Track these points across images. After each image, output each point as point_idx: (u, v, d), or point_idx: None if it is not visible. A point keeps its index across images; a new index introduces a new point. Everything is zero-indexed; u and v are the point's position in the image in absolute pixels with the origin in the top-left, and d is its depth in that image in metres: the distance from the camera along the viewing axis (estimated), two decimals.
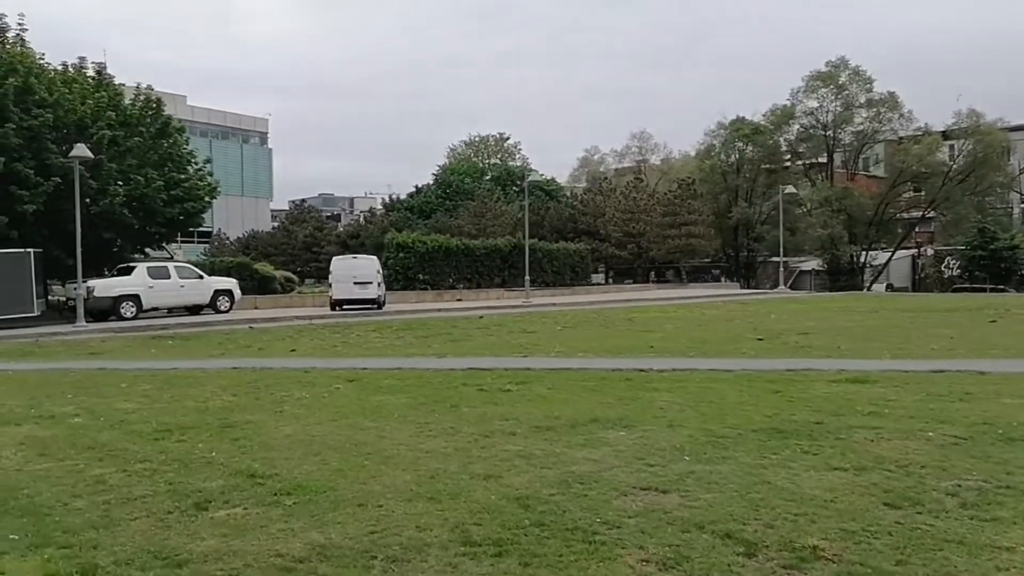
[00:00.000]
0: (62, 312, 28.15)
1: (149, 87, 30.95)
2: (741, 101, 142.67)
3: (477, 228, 53.67)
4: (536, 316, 25.45)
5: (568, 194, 69.89)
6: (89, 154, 24.78)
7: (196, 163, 32.08)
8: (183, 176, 30.71)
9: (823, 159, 54.83)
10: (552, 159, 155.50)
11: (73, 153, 24.62)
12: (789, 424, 7.59)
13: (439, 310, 30.79)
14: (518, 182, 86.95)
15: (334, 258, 31.99)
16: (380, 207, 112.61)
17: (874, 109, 51.47)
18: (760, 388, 9.87)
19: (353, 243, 79.29)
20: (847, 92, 51.15)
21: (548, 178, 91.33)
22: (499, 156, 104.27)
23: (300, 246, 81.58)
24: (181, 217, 30.79)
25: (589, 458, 6.57)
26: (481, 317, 25.16)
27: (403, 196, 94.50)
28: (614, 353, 14.47)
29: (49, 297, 28.52)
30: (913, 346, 14.43)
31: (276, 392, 10.88)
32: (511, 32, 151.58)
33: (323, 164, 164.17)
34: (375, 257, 31.79)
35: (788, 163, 57.59)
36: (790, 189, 43.41)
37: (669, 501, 5.34)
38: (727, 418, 8.00)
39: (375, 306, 30.62)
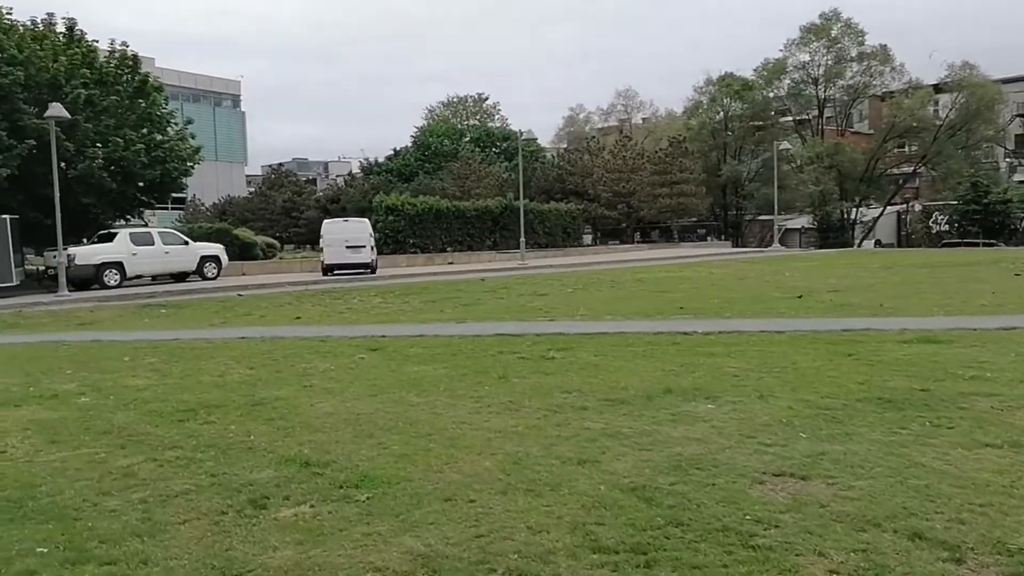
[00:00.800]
0: (41, 281, 26.87)
1: (124, 44, 29.39)
2: (723, 59, 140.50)
3: (461, 190, 52.61)
4: (539, 278, 24.62)
5: (552, 155, 68.75)
6: (65, 114, 23.39)
7: (176, 123, 30.64)
8: (163, 137, 29.33)
9: (813, 115, 54.06)
10: (528, 121, 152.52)
11: (48, 113, 23.22)
12: (892, 392, 6.85)
13: (434, 274, 29.87)
14: (498, 143, 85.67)
15: (325, 221, 30.86)
16: (357, 171, 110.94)
17: (865, 63, 50.66)
18: (827, 351, 9.14)
19: (333, 207, 77.73)
20: (839, 45, 50.28)
21: (527, 139, 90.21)
22: (478, 117, 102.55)
23: (279, 211, 79.83)
24: (162, 180, 29.44)
25: (690, 437, 5.79)
26: (483, 280, 24.29)
27: (381, 159, 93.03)
28: (644, 315, 13.69)
29: (26, 266, 27.18)
30: (959, 302, 13.78)
31: (296, 363, 10.00)
32: None
33: (293, 129, 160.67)
34: (367, 220, 30.74)
35: (776, 120, 56.81)
36: (785, 145, 42.75)
37: (816, 490, 4.57)
38: (816, 386, 7.25)
39: (368, 271, 29.66)
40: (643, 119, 66.20)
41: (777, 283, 18.99)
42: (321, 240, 29.72)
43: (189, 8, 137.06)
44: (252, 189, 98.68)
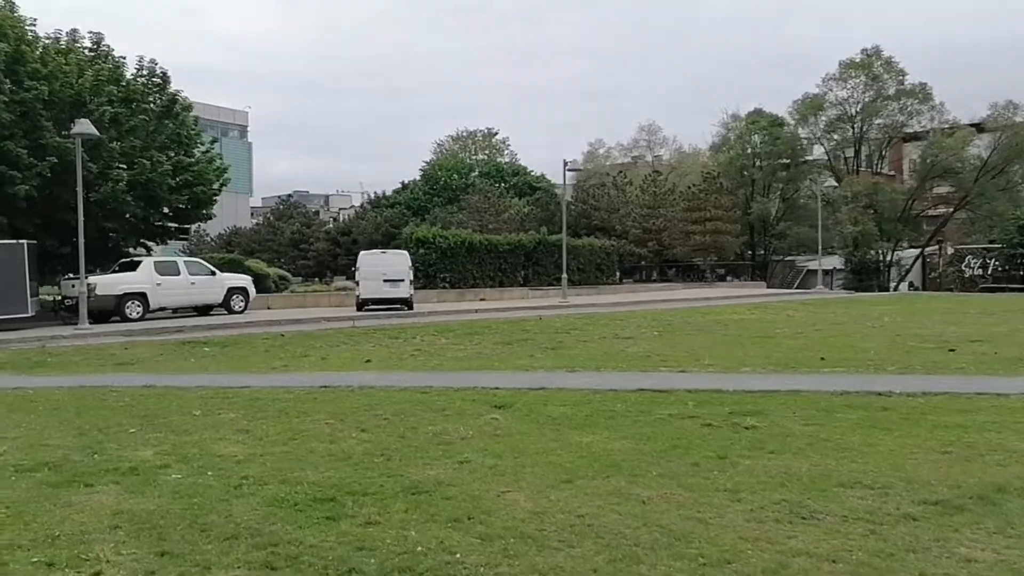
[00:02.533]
0: (57, 312, 24.88)
1: (152, 60, 27.72)
2: (728, 98, 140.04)
3: (479, 224, 50.85)
4: (600, 318, 22.68)
5: (572, 189, 67.23)
6: (93, 130, 21.57)
7: (203, 144, 28.84)
8: (191, 159, 27.53)
9: (849, 153, 52.64)
10: (535, 157, 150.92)
11: (75, 130, 21.41)
12: None
13: (476, 311, 27.96)
14: (508, 178, 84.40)
15: (361, 253, 28.97)
16: (358, 204, 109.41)
17: (902, 101, 49.33)
18: None
19: (344, 240, 76.14)
20: (879, 83, 48.99)
21: (538, 174, 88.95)
22: (487, 152, 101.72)
23: (287, 242, 78.00)
24: (189, 206, 27.59)
25: None
26: (540, 319, 22.36)
27: (386, 193, 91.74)
28: (786, 366, 11.79)
29: (40, 296, 25.20)
30: None
31: (417, 425, 8.06)
32: (485, 31, 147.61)
33: (291, 162, 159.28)
34: (406, 252, 28.82)
35: (807, 157, 55.37)
36: (830, 182, 41.03)
37: None
38: None
39: (405, 306, 27.73)
40: (658, 155, 64.69)
41: (893, 330, 17.10)
42: (356, 273, 27.79)
43: (191, 42, 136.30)
44: (256, 220, 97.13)
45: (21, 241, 22.36)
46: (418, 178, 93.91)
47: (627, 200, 52.31)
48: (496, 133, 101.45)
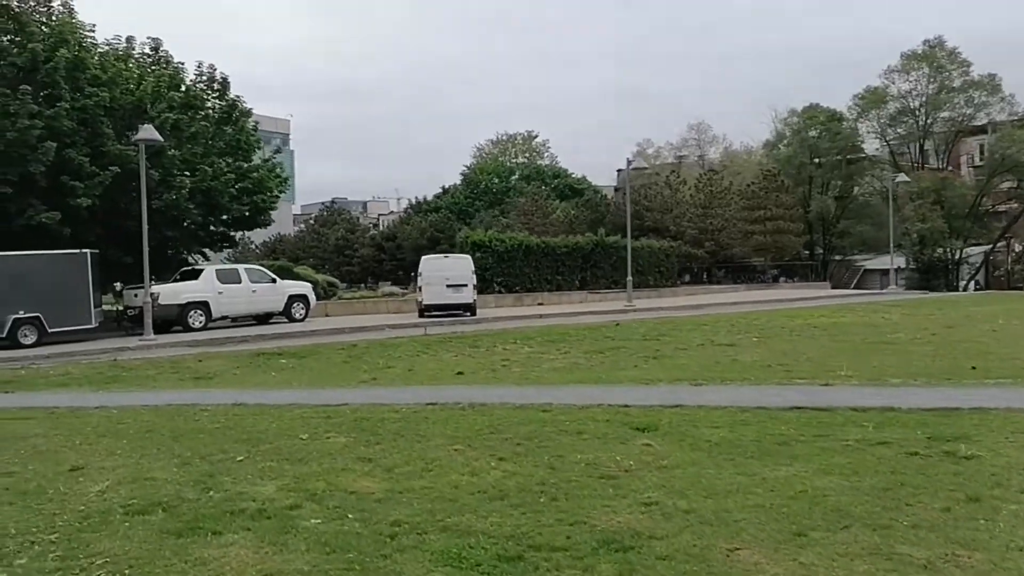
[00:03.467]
0: (120, 323, 24.36)
1: (211, 66, 27.17)
2: (789, 95, 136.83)
3: (526, 227, 49.85)
4: (686, 322, 21.50)
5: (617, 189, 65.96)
6: (157, 136, 21.02)
7: (261, 151, 28.22)
8: (250, 166, 26.91)
9: (913, 149, 50.77)
10: (575, 160, 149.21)
11: (139, 135, 20.85)
12: None
13: (540, 316, 26.96)
14: (548, 180, 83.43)
15: (424, 258, 28.08)
16: (399, 210, 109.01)
17: (969, 93, 47.39)
18: None
19: (389, 245, 75.82)
20: (943, 74, 47.11)
21: (578, 176, 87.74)
22: (527, 155, 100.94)
23: (332, 249, 77.87)
24: (248, 213, 26.97)
25: None
26: (617, 324, 21.26)
27: (428, 197, 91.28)
28: (929, 377, 10.58)
29: (104, 306, 24.70)
30: None
31: (561, 452, 7.06)
32: (514, 36, 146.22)
33: (325, 169, 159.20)
34: (469, 257, 27.88)
35: (867, 153, 53.57)
36: (902, 177, 39.33)
37: None
38: None
39: (468, 312, 26.81)
40: (706, 155, 63.24)
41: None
42: (419, 278, 26.94)
43: (225, 53, 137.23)
44: (298, 227, 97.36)
45: (85, 250, 21.84)
46: (458, 182, 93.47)
47: (680, 200, 50.99)
48: (536, 136, 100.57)
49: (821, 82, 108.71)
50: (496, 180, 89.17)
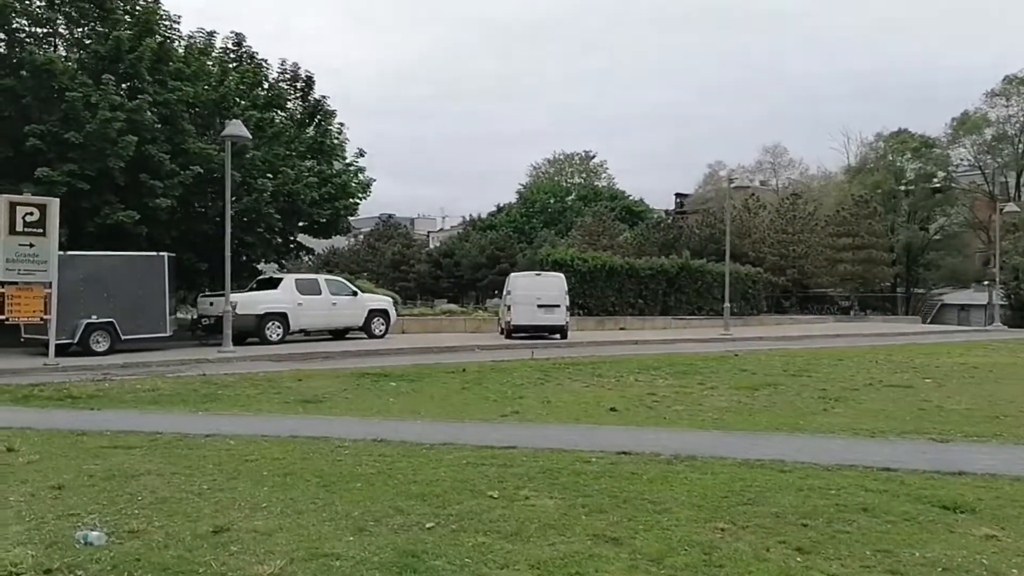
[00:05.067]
0: (194, 332, 22.88)
1: (295, 64, 25.79)
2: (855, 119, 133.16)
3: (592, 249, 47.82)
4: (820, 356, 19.29)
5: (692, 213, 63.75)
6: (245, 132, 19.55)
7: (344, 154, 26.63)
8: (334, 171, 25.40)
9: (1006, 176, 47.92)
10: (633, 183, 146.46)
11: (226, 131, 19.42)
12: None
13: (635, 342, 24.95)
14: (605, 202, 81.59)
15: (513, 275, 26.26)
16: (445, 228, 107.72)
17: None
18: None
19: (446, 262, 74.42)
20: None
21: (636, 199, 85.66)
22: (583, 175, 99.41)
23: (387, 264, 76.70)
24: (328, 220, 25.40)
25: None
26: (736, 355, 19.15)
27: (483, 215, 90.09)
28: None
29: (178, 314, 23.25)
30: None
31: (890, 546, 5.09)
32: (562, 57, 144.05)
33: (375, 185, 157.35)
34: (562, 276, 25.98)
35: (954, 184, 50.78)
36: (1011, 207, 36.62)
37: None
38: None
39: (559, 335, 24.90)
40: (799, 174, 60.73)
41: None
42: (507, 296, 25.11)
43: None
44: (350, 240, 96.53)
45: (163, 254, 20.39)
46: (512, 201, 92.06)
47: (758, 225, 48.73)
48: (593, 156, 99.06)
49: (883, 109, 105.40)
50: (552, 200, 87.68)
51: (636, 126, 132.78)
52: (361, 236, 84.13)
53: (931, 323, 49.76)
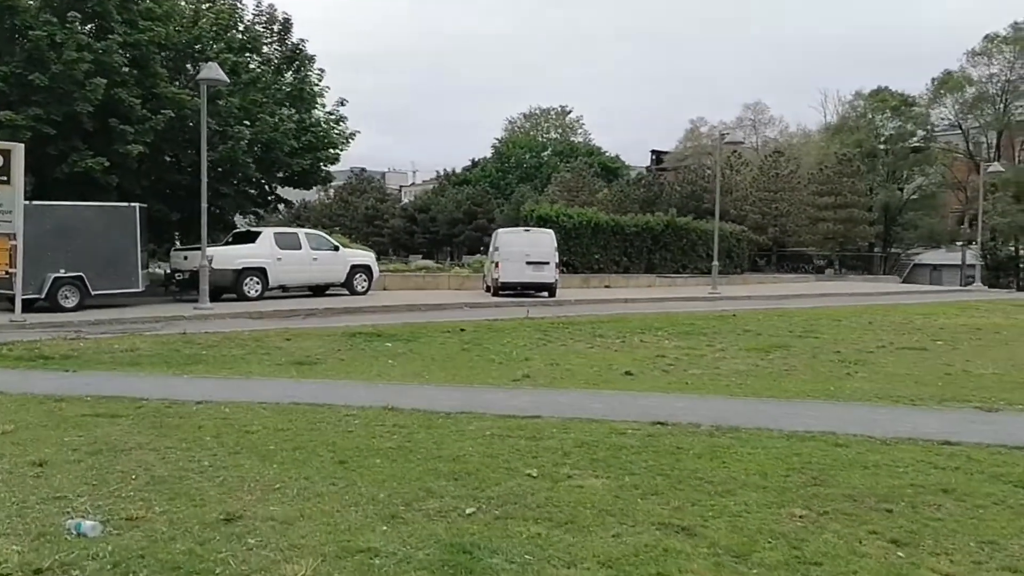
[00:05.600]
0: (167, 287, 21.87)
1: (271, 5, 24.44)
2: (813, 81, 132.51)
3: (570, 204, 47.08)
4: (814, 316, 18.86)
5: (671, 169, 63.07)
6: (222, 75, 18.42)
7: (323, 102, 25.38)
8: (313, 119, 24.25)
9: (986, 137, 47.79)
10: (608, 139, 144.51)
11: (201, 74, 18.30)
12: None
13: (624, 300, 24.40)
14: (582, 158, 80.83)
15: (501, 231, 25.45)
16: (417, 182, 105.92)
17: None
18: None
19: (422, 217, 73.28)
20: None
21: (613, 155, 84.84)
22: (559, 130, 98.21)
23: (360, 218, 75.42)
24: (306, 170, 24.23)
25: None
26: (734, 315, 18.65)
27: (457, 170, 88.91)
28: None
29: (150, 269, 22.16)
30: None
31: (996, 537, 4.52)
32: (534, 13, 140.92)
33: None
34: (551, 232, 25.25)
35: (935, 143, 50.52)
36: (996, 167, 36.37)
37: None
38: None
39: (548, 293, 24.26)
40: (778, 133, 60.11)
41: None
42: (494, 253, 24.34)
43: None
44: (320, 194, 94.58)
45: (134, 204, 19.31)
46: (488, 155, 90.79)
47: (739, 183, 48.23)
48: (570, 111, 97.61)
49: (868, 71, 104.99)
50: (528, 155, 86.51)
51: (608, 82, 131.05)
52: (332, 190, 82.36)
53: (904, 283, 49.95)
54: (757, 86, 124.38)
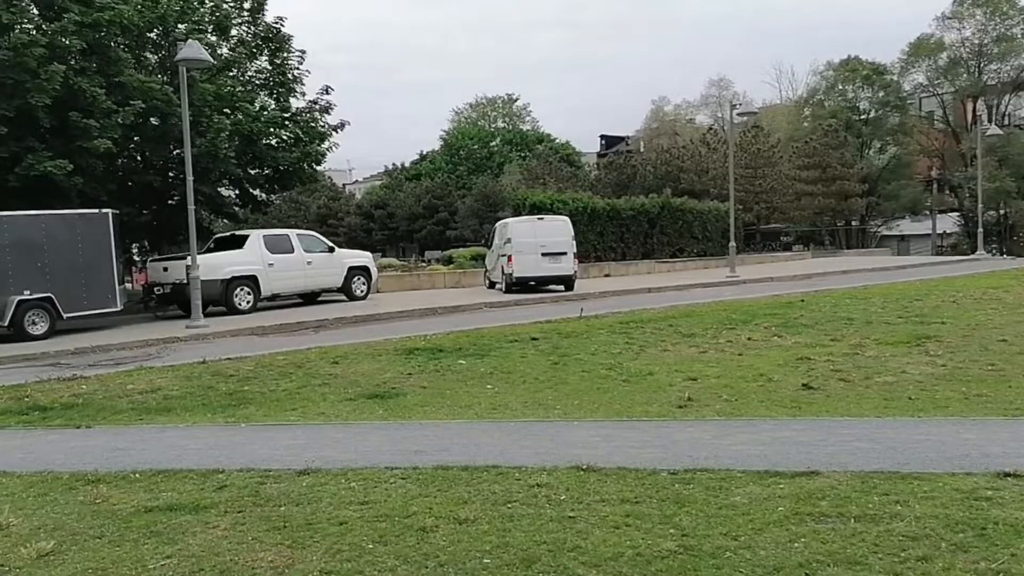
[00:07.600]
0: (147, 304, 19.15)
1: None
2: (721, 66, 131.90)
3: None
4: (878, 293, 17.12)
5: (643, 148, 61.51)
6: (205, 55, 15.83)
7: (303, 89, 22.70)
8: (295, 109, 21.63)
9: (960, 102, 47.17)
10: (556, 126, 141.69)
11: (181, 54, 15.63)
12: None
13: (648, 290, 22.46)
14: (532, 145, 78.95)
15: (510, 221, 23.18)
16: (360, 178, 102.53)
17: None
18: None
19: (379, 213, 70.42)
20: (1005, 20, 43.39)
21: (563, 141, 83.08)
22: (507, 119, 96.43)
23: (314, 218, 72.19)
24: (292, 167, 21.65)
25: None
26: (803, 300, 16.75)
27: (406, 164, 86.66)
28: None
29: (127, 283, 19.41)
30: None
31: None
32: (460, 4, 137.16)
33: None
34: (567, 219, 23.16)
35: (911, 111, 49.89)
36: (993, 130, 35.44)
37: None
38: None
39: (565, 286, 22.21)
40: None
41: None
42: (505, 245, 22.09)
43: None
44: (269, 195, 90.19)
45: (106, 211, 16.60)
46: (437, 148, 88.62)
47: (717, 160, 46.75)
48: (517, 99, 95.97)
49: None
50: (476, 145, 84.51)
51: (548, 70, 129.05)
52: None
53: (982, 251, 49.04)
54: (720, 64, 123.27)
